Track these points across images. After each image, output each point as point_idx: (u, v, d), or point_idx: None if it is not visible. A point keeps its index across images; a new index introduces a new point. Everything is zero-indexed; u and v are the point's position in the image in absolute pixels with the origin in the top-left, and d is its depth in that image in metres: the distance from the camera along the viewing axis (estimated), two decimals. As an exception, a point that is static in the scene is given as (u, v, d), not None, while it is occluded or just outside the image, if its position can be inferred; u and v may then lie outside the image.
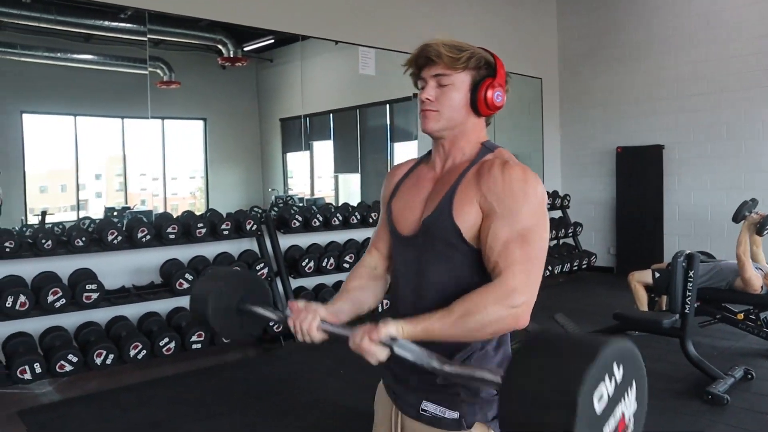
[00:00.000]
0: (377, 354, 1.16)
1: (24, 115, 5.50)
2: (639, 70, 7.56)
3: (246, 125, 7.31)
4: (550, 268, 7.09)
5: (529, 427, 0.84)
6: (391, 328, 1.16)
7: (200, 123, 6.99)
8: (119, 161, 6.22)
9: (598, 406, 0.82)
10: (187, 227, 4.70)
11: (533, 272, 1.20)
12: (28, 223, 5.35)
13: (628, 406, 0.88)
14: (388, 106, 7.39)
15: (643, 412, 0.93)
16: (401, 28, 6.28)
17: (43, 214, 5.52)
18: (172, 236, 4.57)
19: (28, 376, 3.60)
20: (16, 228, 4.91)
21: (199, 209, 6.53)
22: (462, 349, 1.28)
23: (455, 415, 1.28)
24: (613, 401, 0.85)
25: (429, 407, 1.30)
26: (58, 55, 5.50)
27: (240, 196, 7.09)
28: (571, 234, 7.81)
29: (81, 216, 5.85)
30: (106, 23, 5.08)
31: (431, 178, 1.38)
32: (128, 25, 5.04)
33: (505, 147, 1.35)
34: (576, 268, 7.50)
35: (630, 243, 7.66)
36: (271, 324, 1.44)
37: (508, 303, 1.15)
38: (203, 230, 4.74)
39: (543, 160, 8.18)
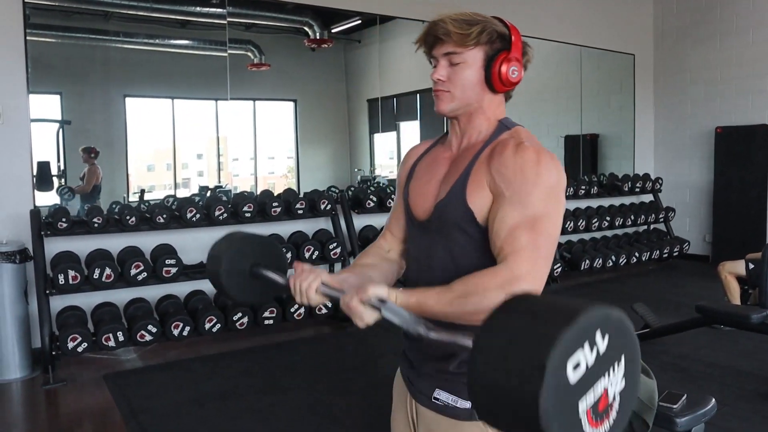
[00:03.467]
0: (364, 315, 1.09)
1: (127, 99, 5.82)
2: (744, 43, 6.95)
3: (334, 106, 7.36)
4: (637, 254, 6.74)
5: (496, 390, 0.77)
6: (381, 290, 1.09)
7: (291, 104, 7.13)
8: (217, 142, 6.47)
9: (573, 376, 0.73)
10: (262, 206, 4.83)
11: (540, 261, 1.11)
12: (130, 200, 5.67)
13: (614, 383, 0.79)
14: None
15: (633, 393, 0.83)
16: (488, 4, 6.09)
17: (142, 192, 5.83)
18: (248, 215, 4.72)
19: (111, 343, 3.86)
20: (121, 203, 5.23)
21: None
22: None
23: (467, 405, 1.23)
24: (593, 374, 0.75)
25: (441, 395, 1.27)
26: (157, 41, 5.76)
27: (328, 176, 7.14)
28: (662, 219, 7.39)
29: (183, 194, 6.11)
30: (197, 9, 5.29)
31: (447, 158, 1.32)
32: (215, 9, 5.22)
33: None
34: (666, 255, 7.09)
35: (728, 230, 7.12)
36: (278, 285, 1.41)
37: (511, 290, 1.05)
38: (278, 209, 4.85)
39: (634, 141, 7.72)
